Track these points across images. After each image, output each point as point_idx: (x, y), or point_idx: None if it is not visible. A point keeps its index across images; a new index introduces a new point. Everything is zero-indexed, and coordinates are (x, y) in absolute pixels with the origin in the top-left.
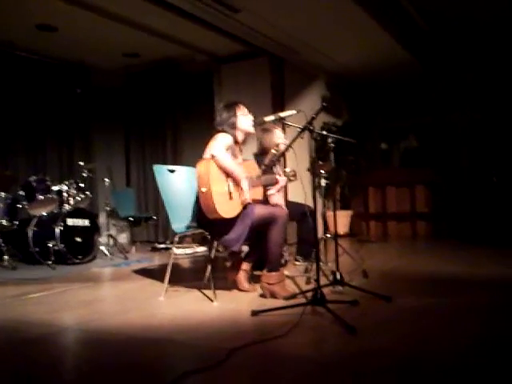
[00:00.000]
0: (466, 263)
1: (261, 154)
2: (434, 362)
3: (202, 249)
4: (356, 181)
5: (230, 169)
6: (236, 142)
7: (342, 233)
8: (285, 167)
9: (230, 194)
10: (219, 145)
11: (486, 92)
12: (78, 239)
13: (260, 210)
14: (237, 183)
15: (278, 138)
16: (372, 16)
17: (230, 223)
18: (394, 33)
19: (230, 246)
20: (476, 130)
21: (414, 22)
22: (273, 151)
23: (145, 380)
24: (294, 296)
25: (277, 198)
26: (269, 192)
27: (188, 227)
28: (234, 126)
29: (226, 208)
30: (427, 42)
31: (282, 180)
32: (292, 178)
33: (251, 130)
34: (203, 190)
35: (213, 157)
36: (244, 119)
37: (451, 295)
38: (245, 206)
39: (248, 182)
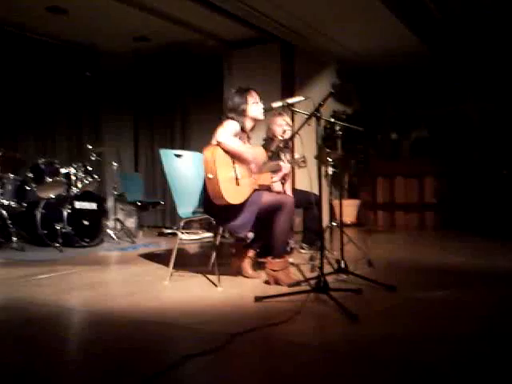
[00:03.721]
0: (473, 255)
1: (269, 139)
2: (436, 351)
3: (208, 235)
4: (365, 170)
5: (237, 151)
6: (244, 129)
7: (349, 222)
8: (294, 153)
9: (237, 179)
10: (226, 131)
11: (500, 83)
12: (86, 222)
13: (267, 197)
14: (244, 164)
15: (281, 124)
16: (384, 2)
17: (236, 209)
18: (406, 20)
19: (236, 232)
20: (488, 121)
21: (427, 10)
22: (279, 138)
23: (147, 362)
24: (297, 283)
25: (278, 185)
26: (273, 179)
27: (194, 212)
28: (244, 113)
29: (233, 194)
30: (440, 30)
31: (286, 167)
32: (302, 165)
33: (260, 117)
34: (210, 176)
35: (219, 143)
36: (255, 107)
37: (456, 286)
38: (252, 193)
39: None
